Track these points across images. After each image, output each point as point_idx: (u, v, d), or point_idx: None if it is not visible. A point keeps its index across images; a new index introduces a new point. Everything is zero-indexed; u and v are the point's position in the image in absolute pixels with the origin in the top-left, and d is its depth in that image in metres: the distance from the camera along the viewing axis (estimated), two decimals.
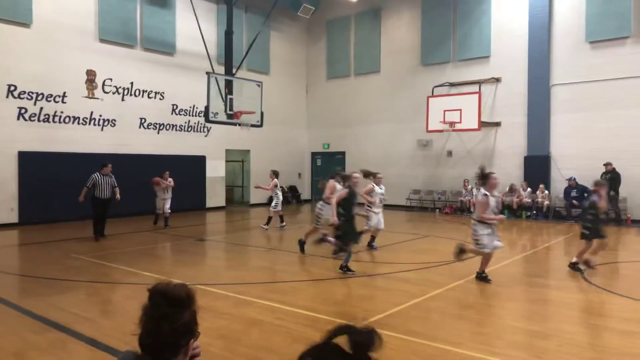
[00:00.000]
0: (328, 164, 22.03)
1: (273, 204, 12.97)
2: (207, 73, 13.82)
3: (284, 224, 13.26)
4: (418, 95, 18.38)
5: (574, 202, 14.95)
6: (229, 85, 14.12)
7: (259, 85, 14.81)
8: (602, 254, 8.54)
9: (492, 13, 17.40)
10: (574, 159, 15.60)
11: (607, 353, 4.65)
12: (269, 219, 12.96)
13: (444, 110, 16.79)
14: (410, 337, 4.96)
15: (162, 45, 16.95)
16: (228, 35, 14.94)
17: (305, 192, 22.39)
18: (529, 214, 15.62)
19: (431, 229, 13.61)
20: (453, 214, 17.07)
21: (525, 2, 16.57)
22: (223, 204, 19.03)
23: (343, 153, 21.47)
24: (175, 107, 17.38)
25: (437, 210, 17.84)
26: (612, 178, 14.08)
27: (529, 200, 15.68)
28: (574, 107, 15.72)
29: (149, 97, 16.65)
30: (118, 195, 11.40)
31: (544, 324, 5.66)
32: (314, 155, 22.61)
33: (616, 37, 15.05)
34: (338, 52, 21.54)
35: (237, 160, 20.59)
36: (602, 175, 14.14)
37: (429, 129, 17.33)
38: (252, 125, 14.48)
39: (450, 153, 18.24)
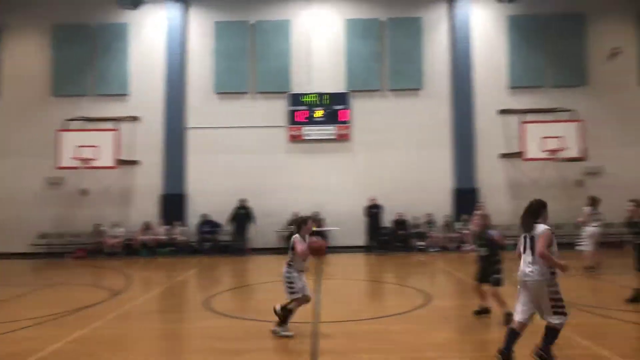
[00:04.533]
0: None
1: None
2: None
3: None
4: (48, 128, 16.56)
5: (207, 236, 16.29)
6: None
7: None
8: (227, 283, 9.46)
9: (130, 53, 17.55)
10: (206, 196, 17.03)
11: None
12: None
13: (79, 146, 15.67)
14: None
15: None
16: None
17: None
18: (165, 250, 16.03)
19: (60, 276, 12.24)
20: (87, 257, 15.83)
21: (162, 48, 17.44)
22: None
23: None
24: None
25: (69, 254, 16.15)
26: (245, 213, 16.12)
27: (165, 237, 16.15)
28: (206, 150, 17.29)
29: None
30: None
31: (168, 357, 5.77)
32: None
33: (237, 92, 17.53)
34: None
35: None
36: (236, 210, 16.03)
37: (61, 165, 15.80)
38: None
39: (85, 192, 17.04)
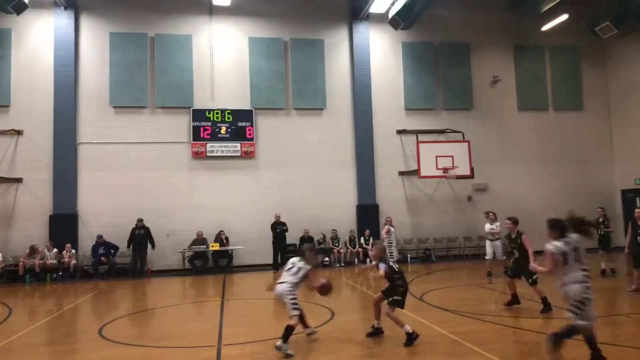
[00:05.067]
0: None
1: None
2: None
3: None
4: None
5: (102, 259, 15.25)
6: None
7: None
8: (125, 309, 8.89)
9: (13, 61, 16.17)
10: (102, 217, 16.00)
11: None
12: None
13: None
14: None
15: None
16: None
17: None
18: (54, 276, 14.73)
19: None
20: None
21: (50, 57, 16.24)
22: None
23: None
24: None
25: None
26: (143, 234, 15.41)
27: (55, 261, 14.84)
28: (100, 166, 16.28)
29: None
30: None
31: None
32: None
33: (135, 106, 16.76)
34: None
35: None
36: (134, 230, 15.31)
37: None
38: None
39: None
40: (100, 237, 15.47)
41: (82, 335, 8.23)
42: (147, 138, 16.68)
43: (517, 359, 5.67)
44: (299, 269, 6.60)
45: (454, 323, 7.70)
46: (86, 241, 15.81)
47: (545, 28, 18.83)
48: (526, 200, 18.32)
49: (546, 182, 19.12)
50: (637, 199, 18.68)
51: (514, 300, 8.71)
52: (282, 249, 16.19)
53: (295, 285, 6.53)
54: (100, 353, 6.73)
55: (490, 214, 13.47)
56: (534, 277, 8.33)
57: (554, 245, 5.27)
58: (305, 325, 6.94)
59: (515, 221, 8.95)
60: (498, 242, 13.02)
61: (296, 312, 6.47)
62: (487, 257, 13.22)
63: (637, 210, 11.02)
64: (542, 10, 17.13)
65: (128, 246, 15.50)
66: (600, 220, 12.74)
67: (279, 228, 16.16)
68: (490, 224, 13.22)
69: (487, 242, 13.29)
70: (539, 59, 19.74)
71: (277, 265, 16.00)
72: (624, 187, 19.29)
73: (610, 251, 12.75)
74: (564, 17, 17.97)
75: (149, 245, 15.58)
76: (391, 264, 6.81)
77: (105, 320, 8.84)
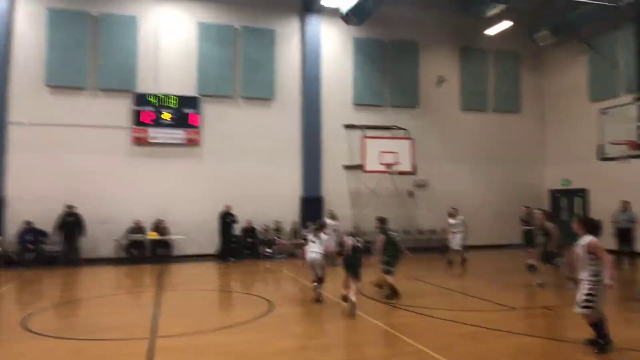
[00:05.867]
0: None
1: None
2: None
3: None
4: None
5: (30, 246, 14.45)
6: None
7: None
8: (52, 299, 8.43)
9: None
10: (32, 202, 15.09)
11: None
12: None
13: None
14: None
15: None
16: None
17: None
18: None
19: None
20: None
21: None
22: None
23: None
24: None
25: None
26: (74, 221, 14.66)
27: None
28: (33, 148, 15.34)
29: None
30: None
31: None
32: None
33: (74, 86, 15.92)
34: None
35: None
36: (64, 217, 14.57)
37: None
38: None
39: None
40: (28, 222, 14.62)
41: (3, 325, 7.76)
42: (85, 121, 15.87)
43: (447, 350, 5.87)
44: (321, 239, 8.75)
45: (389, 315, 7.87)
46: (14, 226, 14.89)
47: (489, 32, 19.47)
48: (463, 196, 18.95)
49: (482, 180, 19.88)
50: (563, 199, 19.82)
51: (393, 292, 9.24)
52: (228, 239, 15.93)
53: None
54: (22, 345, 6.37)
55: (451, 209, 14.24)
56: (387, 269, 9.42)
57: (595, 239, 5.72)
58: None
59: (381, 220, 10.10)
60: (458, 235, 13.94)
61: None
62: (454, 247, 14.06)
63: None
64: (488, 14, 17.66)
65: (58, 233, 14.70)
66: (525, 218, 13.44)
67: (228, 218, 15.88)
68: (452, 219, 14.09)
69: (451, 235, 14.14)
70: (483, 62, 20.45)
71: (224, 256, 15.73)
72: (552, 188, 20.41)
73: (534, 247, 13.37)
74: (508, 23, 18.62)
75: (80, 233, 14.89)
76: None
77: (29, 311, 8.38)
